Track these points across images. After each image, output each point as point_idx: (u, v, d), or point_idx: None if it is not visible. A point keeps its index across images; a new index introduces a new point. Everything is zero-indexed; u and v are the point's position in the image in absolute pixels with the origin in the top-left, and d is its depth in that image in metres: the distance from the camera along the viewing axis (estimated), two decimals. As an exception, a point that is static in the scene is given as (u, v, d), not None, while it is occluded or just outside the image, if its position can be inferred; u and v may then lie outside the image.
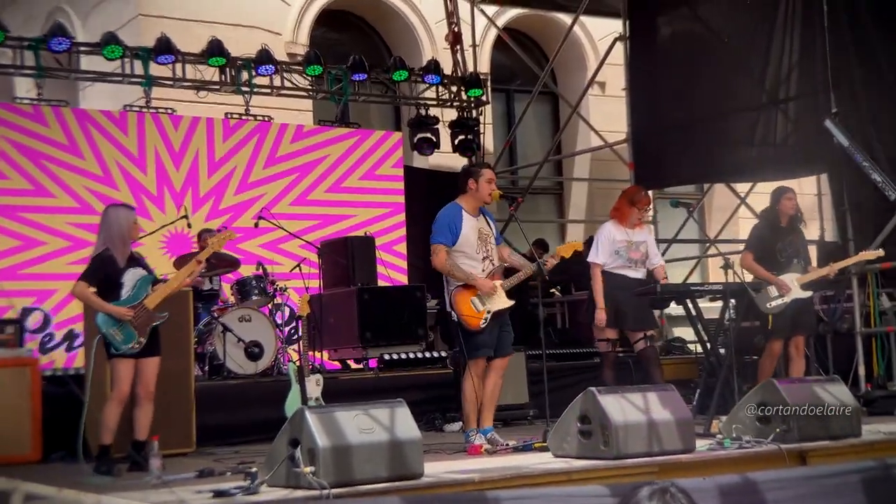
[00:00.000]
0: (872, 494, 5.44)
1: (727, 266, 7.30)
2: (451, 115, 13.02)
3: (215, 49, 11.04)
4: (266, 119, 11.64)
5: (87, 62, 11.22)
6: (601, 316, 7.78)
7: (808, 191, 14.99)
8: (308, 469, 4.95)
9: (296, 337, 9.96)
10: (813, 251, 9.40)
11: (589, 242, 12.90)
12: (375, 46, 14.63)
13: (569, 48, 14.48)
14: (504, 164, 14.45)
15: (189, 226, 9.38)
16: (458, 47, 13.18)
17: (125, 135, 10.78)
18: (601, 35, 15.14)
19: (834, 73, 9.67)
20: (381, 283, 10.55)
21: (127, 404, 6.33)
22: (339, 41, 14.28)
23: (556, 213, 15.89)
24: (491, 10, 14.24)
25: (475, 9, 13.59)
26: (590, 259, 7.93)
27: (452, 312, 6.66)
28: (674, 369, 9.78)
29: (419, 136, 12.70)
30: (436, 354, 9.74)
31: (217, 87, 11.30)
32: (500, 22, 14.63)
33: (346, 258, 10.06)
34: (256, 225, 9.57)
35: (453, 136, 13.02)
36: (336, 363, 10.27)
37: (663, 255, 13.16)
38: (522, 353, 8.82)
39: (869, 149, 9.34)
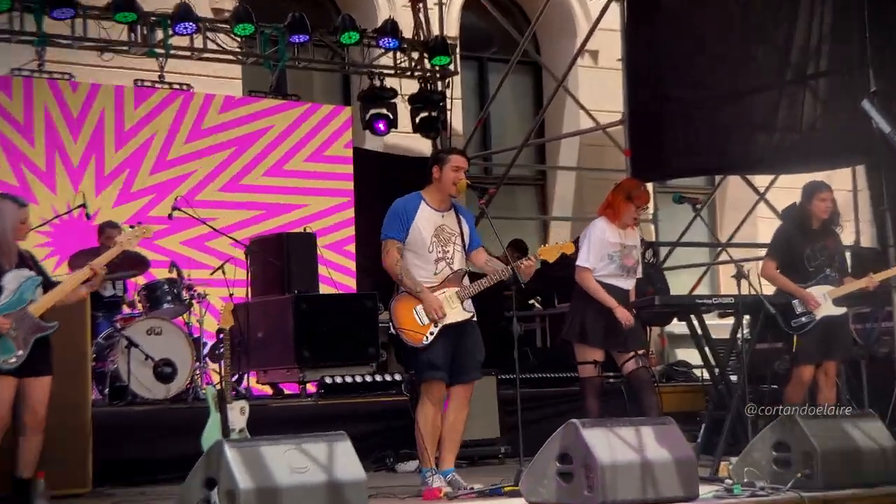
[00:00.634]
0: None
1: (740, 275, 7.34)
2: (411, 87, 13.01)
3: (123, 2, 10.97)
4: (185, 88, 11.58)
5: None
6: (624, 314, 7.60)
7: (841, 186, 15.07)
8: (227, 516, 4.93)
9: (217, 353, 9.91)
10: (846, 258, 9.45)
11: (577, 243, 13.06)
12: (320, 2, 14.59)
13: (554, 9, 14.50)
14: (475, 147, 14.45)
15: (87, 216, 9.30)
16: (421, 5, 13.18)
17: (9, 98, 10.66)
18: (594, -6, 15.20)
19: (873, 45, 9.74)
20: (323, 288, 10.50)
21: (7, 433, 6.26)
22: (276, -5, 14.25)
23: (537, 209, 15.91)
24: (462, -40, 14.29)
25: (443, -42, 13.61)
26: (579, 262, 7.88)
27: (391, 323, 6.67)
28: (675, 399, 9.81)
29: (372, 111, 12.70)
30: (389, 378, 9.72)
31: (125, 47, 11.23)
32: (473, -25, 14.67)
33: (281, 259, 10.02)
34: (170, 216, 9.52)
35: (414, 113, 13.02)
36: (266, 387, 10.23)
37: (664, 260, 13.34)
38: (493, 378, 8.82)
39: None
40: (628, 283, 7.93)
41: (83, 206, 9.00)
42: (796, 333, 8.05)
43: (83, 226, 10.12)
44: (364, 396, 9.46)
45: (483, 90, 15.47)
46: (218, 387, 7.39)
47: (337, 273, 11.08)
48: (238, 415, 7.25)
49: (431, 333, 6.66)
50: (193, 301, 9.52)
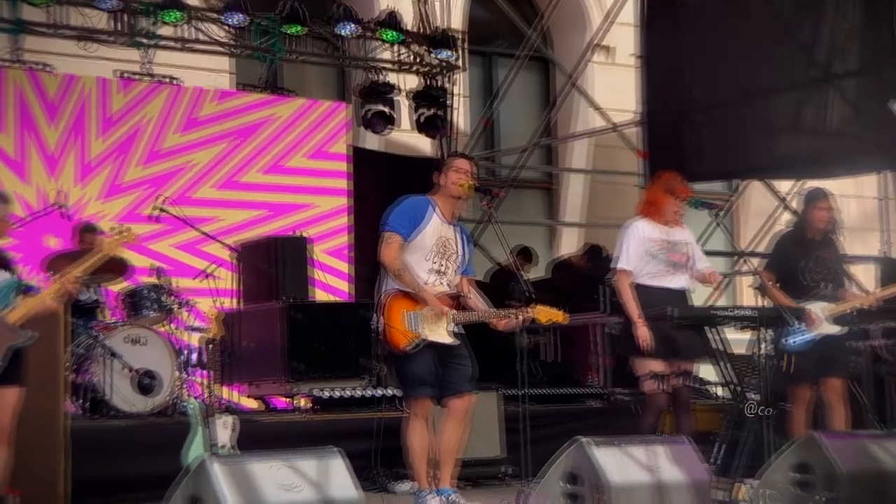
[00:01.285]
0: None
1: (761, 286, 7.33)
2: (412, 82, 13.03)
3: (107, -12, 11.02)
4: (172, 81, 11.60)
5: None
6: (643, 332, 7.47)
7: (869, 193, 15.15)
8: (211, 536, 4.93)
9: (203, 364, 9.90)
10: (872, 271, 9.52)
11: (593, 255, 13.06)
12: (317, -9, 14.63)
13: (566, 1, 14.54)
14: (481, 147, 14.49)
15: (68, 216, 9.30)
16: (425, -5, 13.21)
17: (-22, 82, 10.62)
18: (608, -14, 15.23)
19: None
20: (319, 295, 10.53)
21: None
22: (271, -17, 14.28)
23: (546, 213, 15.94)
24: (468, -51, 14.32)
25: (447, -53, 13.64)
26: (616, 265, 7.75)
27: (377, 317, 6.64)
28: (691, 418, 9.81)
29: (371, 108, 12.71)
30: (386, 392, 9.72)
31: (108, 37, 11.23)
32: (480, -35, 14.71)
33: (272, 264, 10.03)
34: (156, 218, 9.51)
35: (415, 111, 13.03)
36: (255, 401, 10.24)
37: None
38: (496, 393, 8.82)
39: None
40: (681, 282, 7.74)
41: (61, 206, 8.97)
42: (792, 353, 7.94)
43: (59, 224, 9.98)
44: (359, 412, 9.45)
45: (489, 87, 15.50)
46: (203, 401, 7.40)
47: (334, 279, 11.07)
48: (225, 430, 7.27)
49: (416, 345, 6.63)
50: (179, 308, 9.50)
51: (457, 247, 6.86)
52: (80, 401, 8.86)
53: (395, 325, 6.61)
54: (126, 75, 11.42)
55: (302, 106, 12.26)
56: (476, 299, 6.95)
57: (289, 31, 11.95)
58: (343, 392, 9.57)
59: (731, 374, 7.88)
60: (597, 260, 12.97)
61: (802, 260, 8.14)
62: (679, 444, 6.33)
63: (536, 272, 13.40)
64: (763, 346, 7.49)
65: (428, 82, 13.10)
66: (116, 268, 9.34)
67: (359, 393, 9.64)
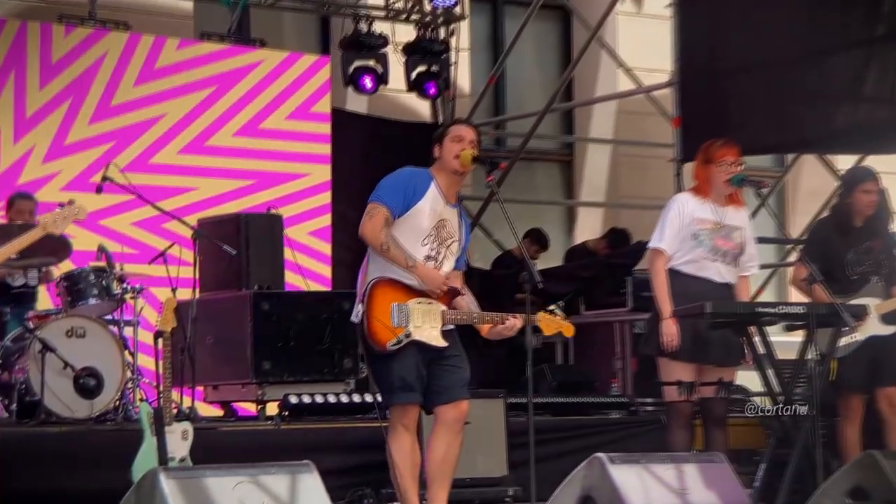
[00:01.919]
0: None
1: (813, 279, 7.34)
2: (406, 33, 13.03)
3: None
4: (122, 28, 11.58)
5: None
6: (671, 329, 7.49)
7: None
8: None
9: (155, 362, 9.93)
10: None
11: (617, 241, 13.07)
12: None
13: (590, -60, 14.53)
14: (486, 112, 14.49)
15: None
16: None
17: None
18: (638, -79, 15.26)
19: None
20: (297, 283, 10.56)
21: None
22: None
23: (563, 191, 15.94)
24: None
25: None
26: (650, 244, 7.76)
27: (359, 307, 6.61)
28: (729, 433, 9.82)
29: (357, 63, 12.73)
30: (369, 398, 9.75)
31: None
32: None
33: (238, 245, 10.03)
34: (98, 190, 9.50)
35: (409, 67, 13.03)
36: (215, 405, 10.27)
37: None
38: (500, 401, 8.83)
39: None
40: (727, 275, 7.72)
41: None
42: (834, 357, 7.90)
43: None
44: (337, 421, 9.48)
45: (497, 41, 15.49)
46: (154, 404, 7.40)
47: (319, 264, 11.05)
48: (179, 439, 7.27)
49: (399, 342, 6.59)
50: (127, 296, 9.50)
51: (457, 231, 6.85)
52: (9, 403, 8.89)
53: (379, 317, 6.59)
54: (68, 21, 11.41)
55: (279, 58, 12.22)
56: (467, 301, 6.93)
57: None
58: (321, 397, 9.60)
59: (776, 384, 7.90)
60: (620, 246, 12.98)
61: (849, 251, 8.16)
62: (714, 462, 6.36)
63: (550, 259, 13.40)
64: (815, 349, 7.51)
65: (424, 33, 13.08)
66: (58, 248, 9.33)
67: (340, 399, 9.66)
